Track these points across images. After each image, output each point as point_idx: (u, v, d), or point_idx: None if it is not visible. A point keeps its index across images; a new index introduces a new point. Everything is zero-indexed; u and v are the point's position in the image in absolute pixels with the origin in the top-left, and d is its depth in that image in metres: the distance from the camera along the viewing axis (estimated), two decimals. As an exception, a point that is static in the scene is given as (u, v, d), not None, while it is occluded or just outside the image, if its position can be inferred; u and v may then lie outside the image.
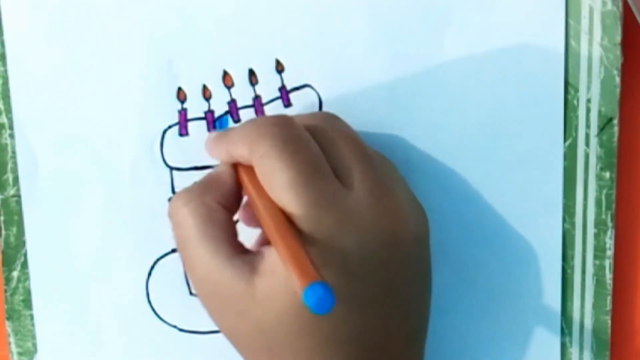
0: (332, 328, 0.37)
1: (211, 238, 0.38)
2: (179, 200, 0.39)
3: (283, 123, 0.39)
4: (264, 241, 0.40)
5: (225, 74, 0.44)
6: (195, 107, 0.44)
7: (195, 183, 0.40)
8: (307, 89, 0.43)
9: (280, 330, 0.37)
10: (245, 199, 0.41)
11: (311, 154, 0.38)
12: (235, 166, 0.40)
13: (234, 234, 0.39)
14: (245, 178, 0.39)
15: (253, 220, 0.40)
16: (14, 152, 0.44)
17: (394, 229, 0.38)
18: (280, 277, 0.37)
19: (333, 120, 0.41)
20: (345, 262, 0.37)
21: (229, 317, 0.39)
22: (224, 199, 0.39)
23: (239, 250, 0.38)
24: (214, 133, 0.42)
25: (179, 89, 0.44)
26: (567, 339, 0.45)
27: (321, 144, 0.39)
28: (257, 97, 0.44)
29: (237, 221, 0.41)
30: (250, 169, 0.39)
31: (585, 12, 0.42)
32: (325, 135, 0.39)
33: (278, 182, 0.37)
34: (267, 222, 0.37)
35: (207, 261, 0.38)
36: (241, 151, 0.39)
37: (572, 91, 0.43)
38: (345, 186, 0.38)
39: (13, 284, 0.45)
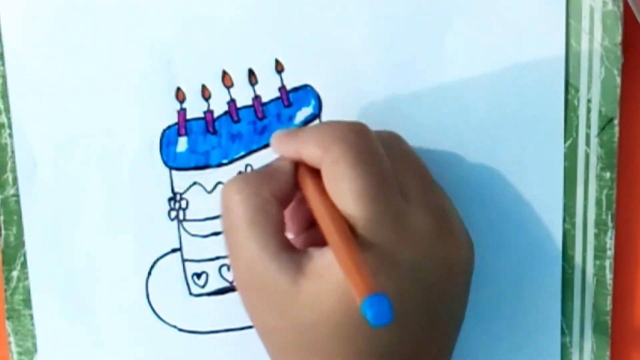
0: (368, 340, 0.37)
1: (260, 230, 0.38)
2: (232, 187, 0.39)
3: (360, 131, 0.38)
4: (309, 241, 0.40)
5: (225, 74, 0.43)
6: (195, 107, 0.44)
7: (254, 171, 0.40)
8: (307, 89, 0.43)
9: (316, 333, 0.37)
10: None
11: (382, 167, 0.38)
12: (296, 163, 0.40)
13: (282, 229, 0.39)
14: (307, 179, 0.39)
15: (299, 221, 0.41)
16: (13, 152, 0.44)
17: (449, 253, 0.38)
18: (327, 282, 0.36)
19: (399, 140, 0.41)
20: (398, 279, 0.37)
21: (265, 311, 0.38)
22: (280, 192, 0.39)
23: (286, 246, 0.38)
24: (281, 130, 0.41)
25: (178, 88, 0.44)
26: (567, 339, 0.45)
27: (389, 160, 0.39)
28: (256, 97, 0.44)
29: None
30: (313, 171, 0.39)
31: (585, 12, 0.42)
32: (393, 151, 0.39)
33: (346, 190, 0.37)
34: (329, 227, 0.36)
35: (254, 252, 0.38)
36: (312, 152, 0.38)
37: (572, 91, 0.43)
38: (408, 204, 0.38)
39: (13, 283, 0.45)
